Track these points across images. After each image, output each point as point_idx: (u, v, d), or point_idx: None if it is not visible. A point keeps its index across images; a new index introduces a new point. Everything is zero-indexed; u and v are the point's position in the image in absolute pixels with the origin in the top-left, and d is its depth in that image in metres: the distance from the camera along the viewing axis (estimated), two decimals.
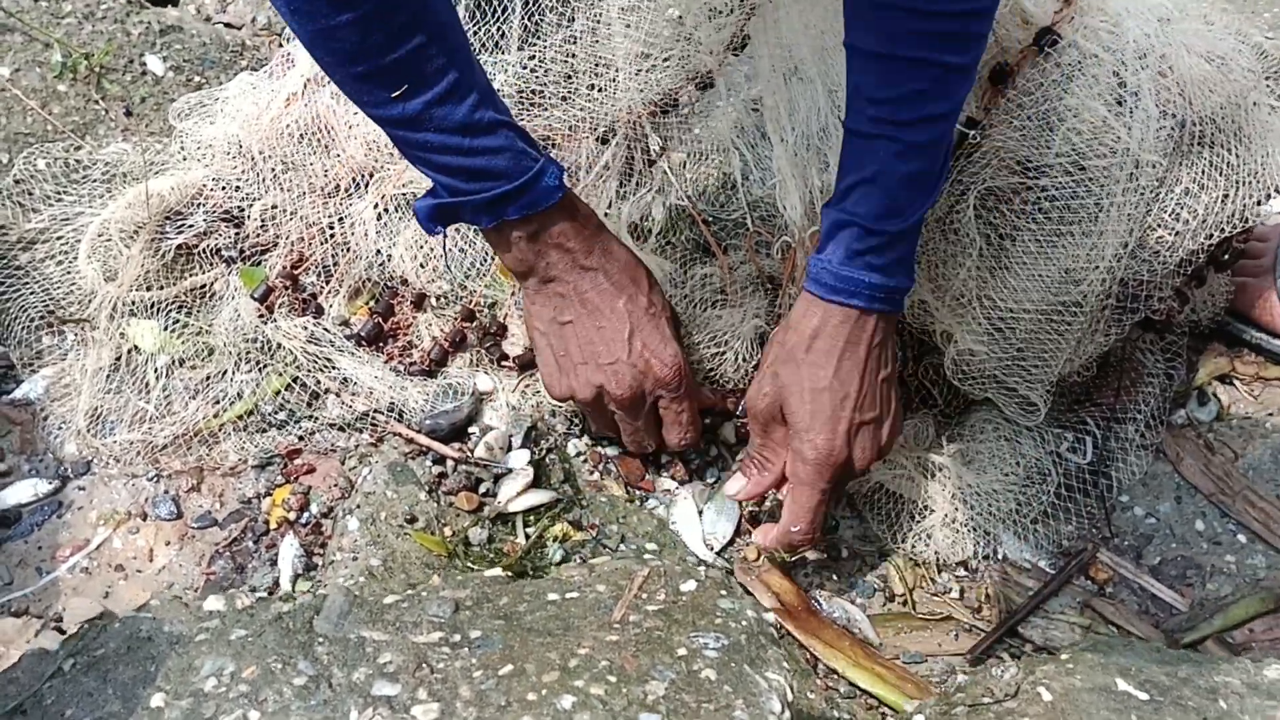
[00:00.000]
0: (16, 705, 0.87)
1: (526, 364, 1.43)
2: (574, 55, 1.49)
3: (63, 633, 1.21)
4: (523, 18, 1.48)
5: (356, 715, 0.83)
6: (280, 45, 1.81)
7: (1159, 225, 1.26)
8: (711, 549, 1.32)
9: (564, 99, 1.51)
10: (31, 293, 1.41)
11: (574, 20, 1.48)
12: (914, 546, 1.35)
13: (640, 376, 1.26)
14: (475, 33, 1.48)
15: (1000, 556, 1.35)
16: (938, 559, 1.34)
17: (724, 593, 0.95)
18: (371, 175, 1.49)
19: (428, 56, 1.06)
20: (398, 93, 1.07)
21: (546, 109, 1.51)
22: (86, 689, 0.88)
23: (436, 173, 1.15)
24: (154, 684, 0.87)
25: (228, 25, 1.82)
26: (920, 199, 1.13)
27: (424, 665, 0.87)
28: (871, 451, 1.21)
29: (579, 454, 1.41)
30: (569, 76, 1.51)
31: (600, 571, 0.99)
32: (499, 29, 1.48)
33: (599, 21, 1.46)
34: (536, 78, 1.49)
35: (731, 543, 1.34)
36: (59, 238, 1.43)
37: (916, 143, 1.09)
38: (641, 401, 1.29)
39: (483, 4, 1.47)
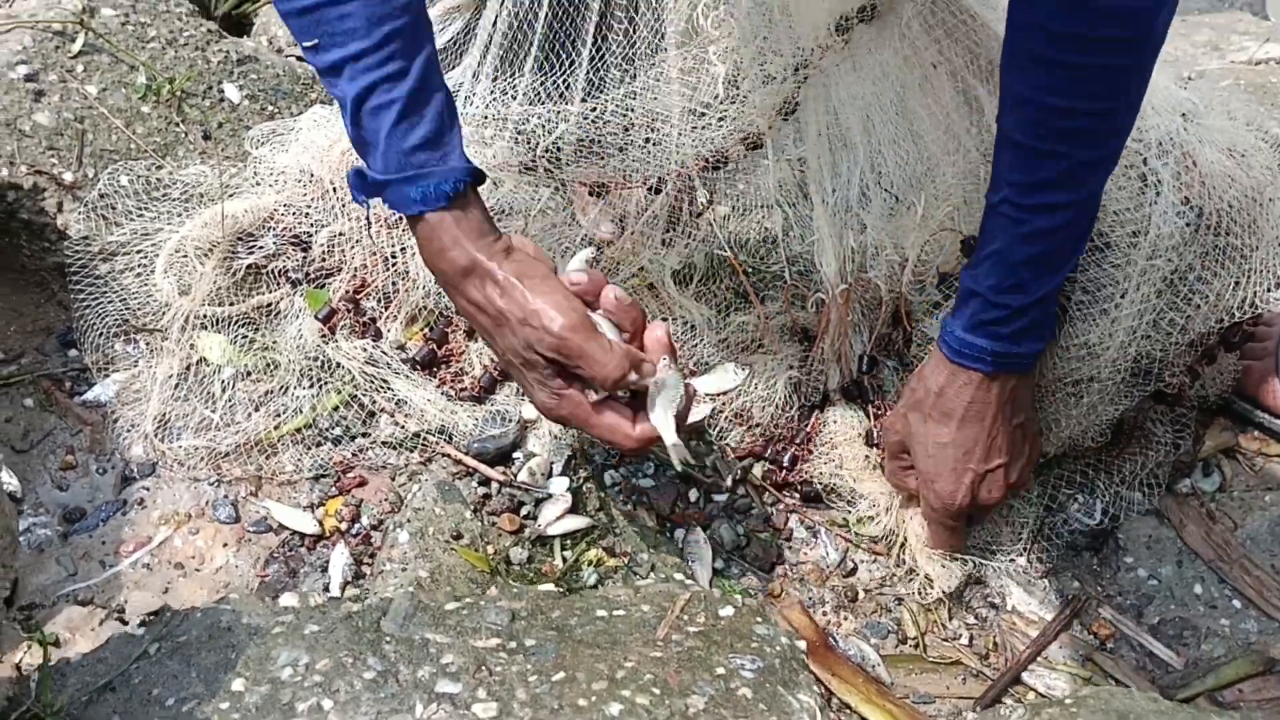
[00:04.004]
0: (106, 683, 0.95)
1: None
2: (633, 109, 1.58)
3: (125, 623, 1.29)
4: (588, 72, 1.57)
5: (421, 709, 0.91)
6: None
7: (1173, 307, 1.34)
8: None
9: (620, 149, 1.61)
10: (109, 301, 1.49)
11: (635, 77, 1.57)
12: (920, 587, 1.43)
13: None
14: (542, 83, 1.58)
15: (1009, 608, 1.43)
16: (949, 608, 1.42)
17: (759, 619, 1.03)
18: None
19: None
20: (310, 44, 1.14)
21: (604, 158, 1.60)
22: (171, 671, 0.95)
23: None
24: (234, 670, 0.95)
25: (299, 59, 1.91)
26: (1044, 278, 1.19)
27: (483, 668, 0.94)
28: (999, 492, 1.31)
29: (614, 484, 1.48)
30: (627, 129, 1.60)
31: (645, 593, 1.07)
32: (564, 80, 1.58)
33: (659, 80, 1.56)
34: (596, 128, 1.59)
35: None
36: (138, 251, 1.51)
37: (1039, 228, 1.16)
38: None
39: (551, 57, 1.57)
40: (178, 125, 1.65)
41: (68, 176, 1.52)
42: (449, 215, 1.18)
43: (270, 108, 1.75)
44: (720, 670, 0.95)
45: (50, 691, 0.94)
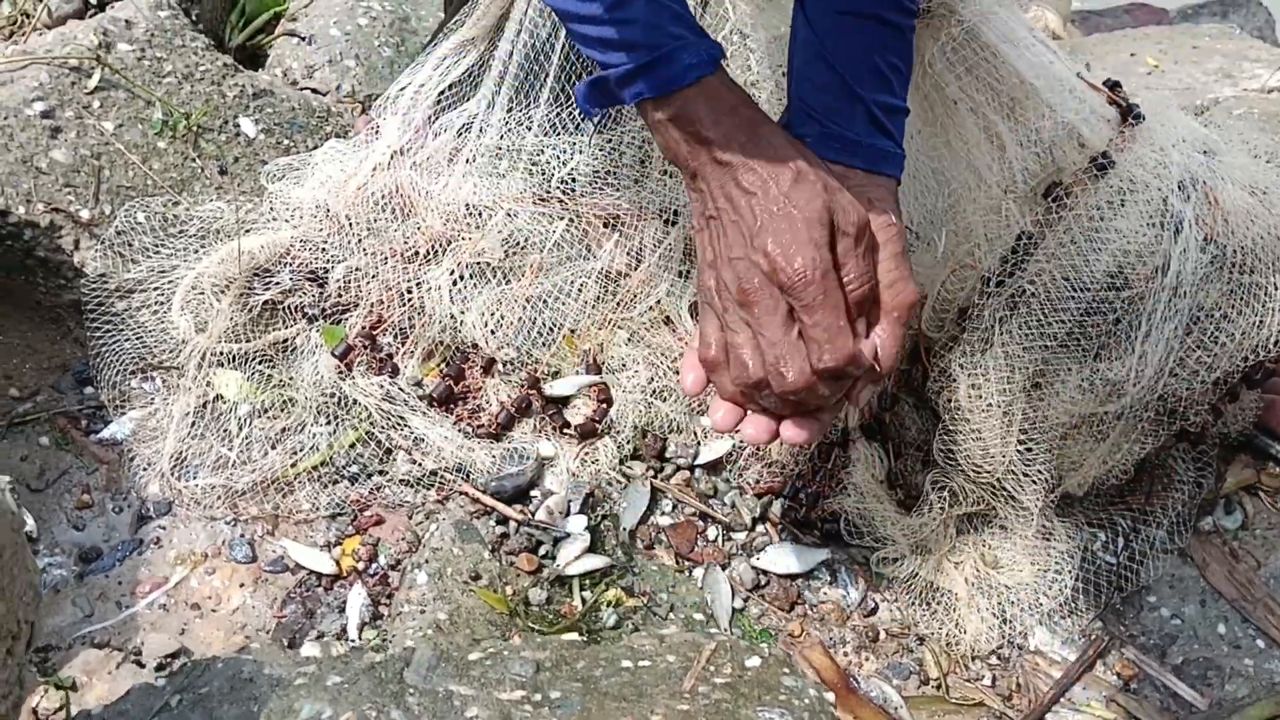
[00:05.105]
0: None
1: (587, 432, 1.50)
2: (650, 141, 1.58)
3: (142, 666, 1.28)
4: None
5: None
6: (363, 112, 1.91)
7: (1199, 345, 1.33)
8: None
9: (636, 181, 1.60)
10: (126, 339, 1.48)
11: None
12: (948, 634, 1.41)
13: (764, 275, 1.11)
14: (558, 114, 1.58)
15: (1032, 648, 1.41)
16: (972, 650, 1.41)
17: (786, 670, 1.01)
18: (448, 244, 1.57)
19: None
20: None
21: (619, 190, 1.60)
22: None
23: (582, 44, 1.14)
24: None
25: (314, 91, 1.91)
26: None
27: None
28: None
29: (632, 523, 1.47)
30: (643, 161, 1.60)
31: (670, 642, 1.06)
32: (581, 113, 1.57)
33: None
34: (612, 160, 1.58)
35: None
36: (155, 288, 1.51)
37: None
38: (768, 305, 1.11)
39: (567, 88, 1.56)
40: (194, 160, 1.65)
41: (84, 214, 1.52)
42: (715, 80, 1.12)
43: (286, 141, 1.75)
44: None
45: None
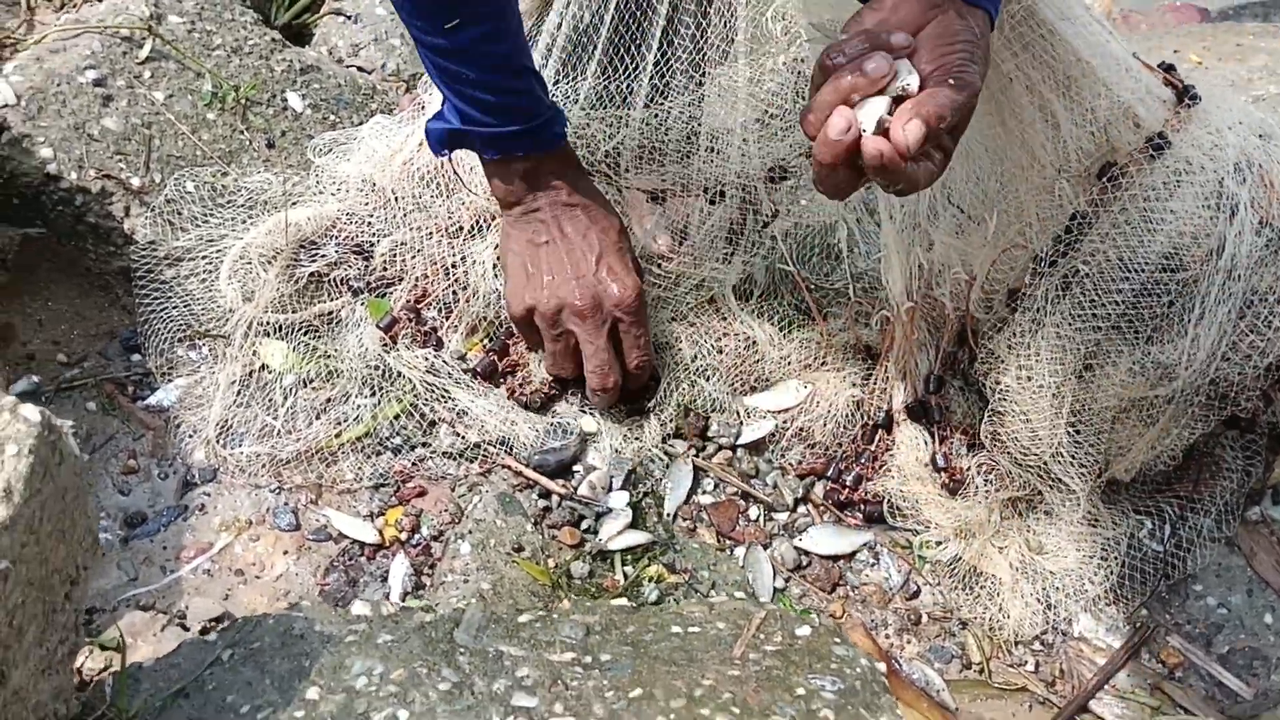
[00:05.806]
0: (179, 689, 0.94)
1: (632, 411, 1.50)
2: (697, 117, 1.57)
3: (186, 629, 1.28)
4: (652, 77, 1.56)
5: None
6: (408, 91, 1.91)
7: (1253, 329, 1.32)
8: None
9: (684, 157, 1.60)
10: (174, 306, 1.49)
11: (701, 84, 1.57)
12: (991, 619, 1.40)
13: (601, 294, 1.39)
14: (605, 88, 1.57)
15: (1076, 634, 1.40)
16: (1016, 636, 1.39)
17: (837, 640, 1.01)
18: (492, 219, 1.57)
19: None
20: (451, 24, 1.20)
21: (665, 165, 1.59)
22: (245, 678, 0.94)
23: (462, 102, 1.29)
24: (308, 678, 0.94)
25: (360, 69, 1.92)
26: None
27: (559, 682, 0.93)
28: None
29: (674, 501, 1.47)
30: (689, 137, 1.59)
31: (719, 610, 1.06)
32: (629, 85, 1.57)
33: (725, 88, 1.55)
34: (658, 135, 1.58)
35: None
36: (203, 257, 1.52)
37: None
38: (599, 318, 1.40)
39: (615, 60, 1.56)
40: (242, 133, 1.66)
41: (135, 181, 1.53)
42: (566, 142, 1.41)
43: (332, 117, 1.76)
44: (800, 690, 0.94)
45: (125, 697, 0.93)
